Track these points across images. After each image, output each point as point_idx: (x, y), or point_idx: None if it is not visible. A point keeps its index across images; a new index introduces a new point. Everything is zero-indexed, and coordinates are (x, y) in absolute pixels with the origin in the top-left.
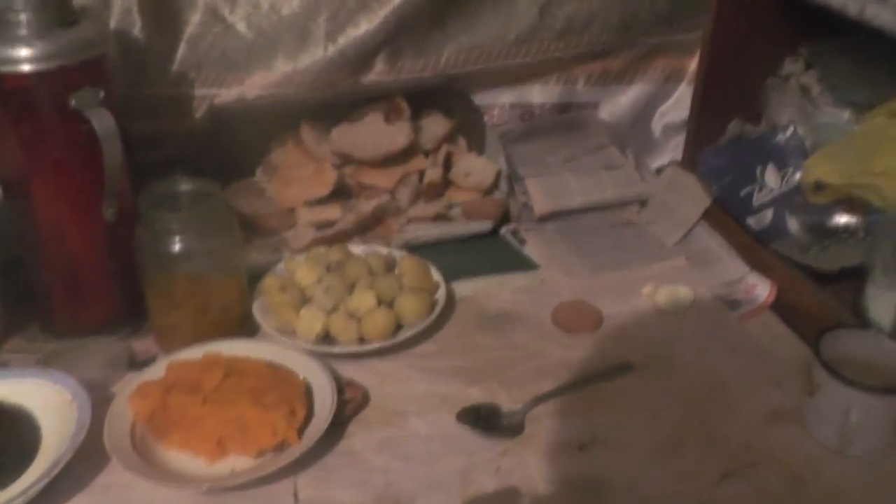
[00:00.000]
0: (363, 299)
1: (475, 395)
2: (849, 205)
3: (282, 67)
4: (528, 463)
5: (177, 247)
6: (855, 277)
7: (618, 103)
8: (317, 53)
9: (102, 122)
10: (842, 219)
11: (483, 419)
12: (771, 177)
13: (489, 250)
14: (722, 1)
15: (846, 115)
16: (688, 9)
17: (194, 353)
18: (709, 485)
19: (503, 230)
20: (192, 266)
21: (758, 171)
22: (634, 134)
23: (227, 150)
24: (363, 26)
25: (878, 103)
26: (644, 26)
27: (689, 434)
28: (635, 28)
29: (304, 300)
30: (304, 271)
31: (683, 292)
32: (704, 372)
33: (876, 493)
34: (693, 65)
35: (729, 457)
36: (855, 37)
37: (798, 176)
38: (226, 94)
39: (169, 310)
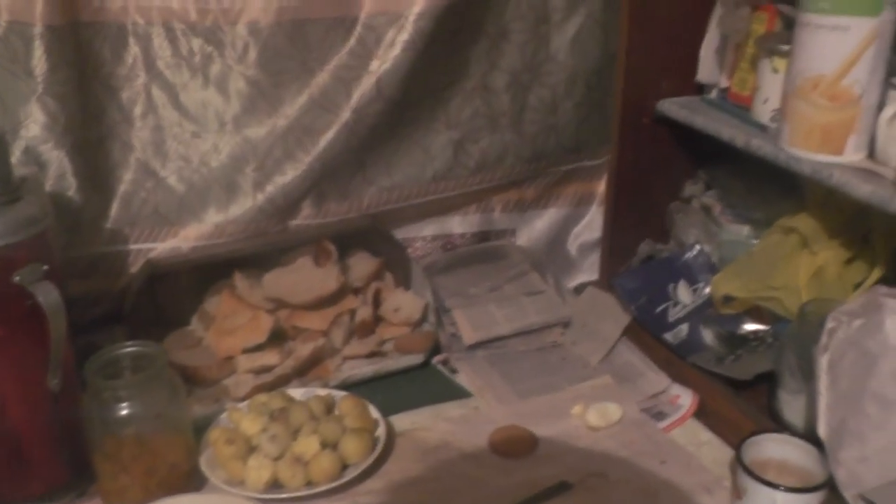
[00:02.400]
0: (308, 444)
1: None
2: (756, 314)
3: (213, 219)
4: None
5: (124, 412)
6: (768, 382)
7: (534, 228)
8: (246, 203)
9: (48, 296)
10: (750, 327)
11: None
12: (683, 293)
13: (423, 382)
14: (623, 133)
15: (746, 230)
16: (593, 141)
17: None
18: None
19: (434, 361)
20: (140, 429)
21: (670, 289)
22: (551, 256)
23: (162, 302)
24: (289, 174)
25: (774, 219)
26: (553, 157)
27: None
28: (545, 159)
29: (251, 450)
30: (248, 422)
31: (612, 409)
32: (638, 485)
33: None
34: (602, 187)
35: None
36: (747, 160)
37: (707, 290)
38: (160, 248)
39: (117, 473)
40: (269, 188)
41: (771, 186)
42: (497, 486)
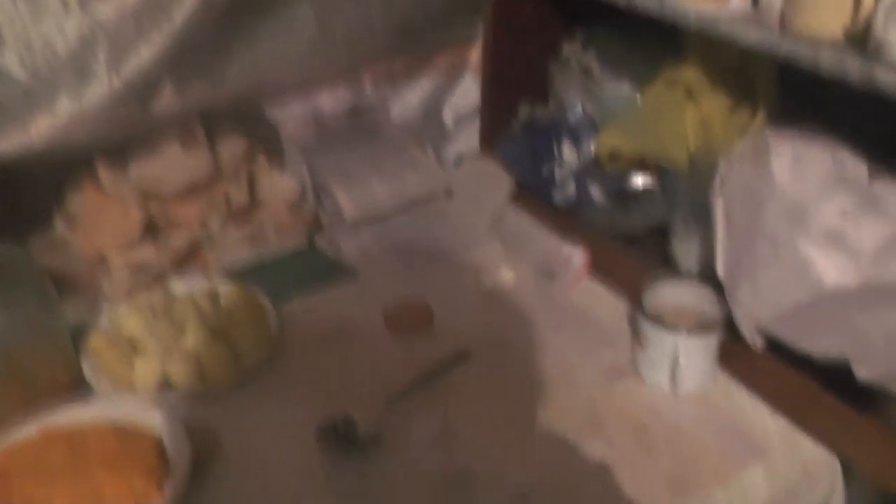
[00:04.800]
0: (195, 338)
1: (326, 415)
2: (643, 168)
3: (66, 109)
4: (393, 472)
5: None
6: (660, 233)
7: (407, 101)
8: (101, 89)
9: None
10: (638, 180)
11: (340, 437)
12: (568, 153)
13: (308, 265)
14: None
15: (626, 88)
16: (463, 7)
17: (27, 431)
18: (564, 452)
19: (318, 242)
20: (7, 343)
21: (554, 151)
22: (427, 128)
23: (18, 206)
24: (145, 55)
25: (654, 74)
26: (421, 30)
27: (536, 409)
28: (413, 31)
29: (135, 351)
30: (129, 321)
31: (504, 274)
32: (539, 346)
33: (706, 421)
34: (475, 55)
35: (578, 421)
36: (626, 16)
37: (592, 149)
38: (7, 145)
39: None
40: (125, 71)
41: (650, 42)
42: (395, 361)
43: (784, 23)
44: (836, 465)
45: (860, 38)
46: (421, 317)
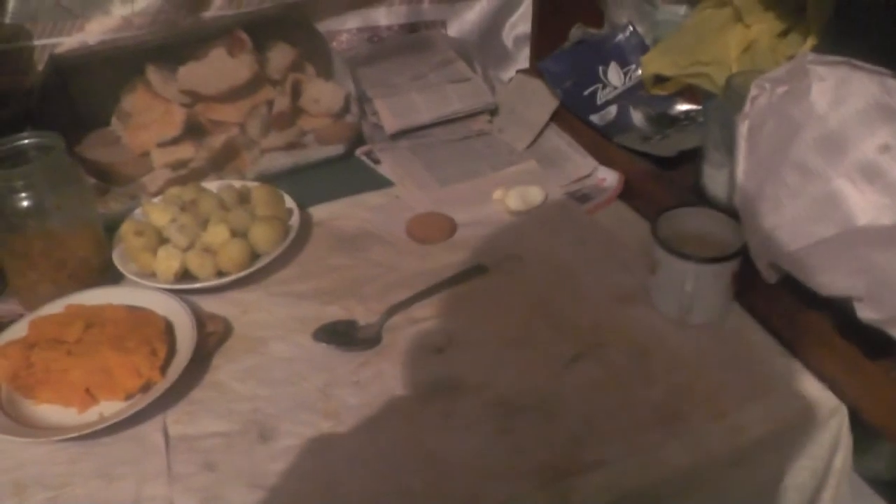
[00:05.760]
0: (216, 233)
1: (333, 313)
2: (687, 94)
3: (119, 10)
4: (385, 372)
5: (25, 203)
6: (695, 160)
7: (465, 19)
8: None
9: None
10: (682, 107)
11: (340, 335)
12: (614, 75)
13: (344, 173)
14: None
15: (682, 10)
16: None
17: (56, 307)
18: (558, 370)
19: (357, 152)
20: (43, 222)
21: (600, 71)
22: (485, 48)
23: (77, 103)
24: None
25: None
26: None
27: (539, 325)
28: None
29: (161, 241)
30: (158, 213)
31: (533, 192)
32: (555, 265)
33: (711, 354)
34: None
35: (578, 341)
36: None
37: (639, 72)
38: (66, 43)
39: (26, 270)
40: None
41: None
42: (412, 270)
43: None
44: (844, 413)
45: None
46: (444, 228)
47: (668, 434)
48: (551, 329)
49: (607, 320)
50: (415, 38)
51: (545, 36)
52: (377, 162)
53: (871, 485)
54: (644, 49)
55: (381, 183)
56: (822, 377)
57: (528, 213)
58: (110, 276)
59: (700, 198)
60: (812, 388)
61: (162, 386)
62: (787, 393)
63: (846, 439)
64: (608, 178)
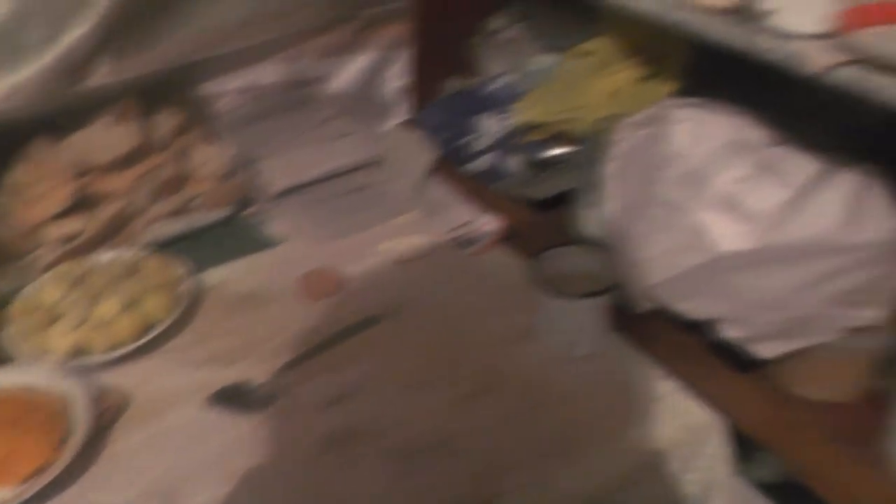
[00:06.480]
0: (109, 307)
1: (230, 376)
2: (560, 138)
3: (1, 83)
4: (282, 430)
5: None
6: (571, 201)
7: (345, 75)
8: (35, 62)
9: None
10: (555, 151)
11: (236, 397)
12: (489, 124)
13: (235, 235)
14: None
15: (552, 60)
16: None
17: None
18: (454, 411)
19: (246, 213)
20: None
21: (476, 121)
22: (366, 102)
23: None
24: (79, 28)
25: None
26: (358, 3)
27: (434, 369)
28: (350, 4)
29: (53, 319)
30: (48, 290)
31: (418, 241)
32: (443, 310)
33: (597, 383)
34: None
35: (472, 381)
36: None
37: (514, 120)
38: None
39: None
40: (59, 44)
41: (579, 15)
42: (306, 326)
43: None
44: (723, 426)
45: (746, 8)
46: (334, 282)
47: (564, 463)
48: (445, 372)
49: (499, 359)
50: (297, 96)
51: (423, 88)
52: (266, 221)
53: (758, 489)
54: (517, 97)
55: (272, 242)
56: (699, 395)
57: (415, 261)
58: (2, 358)
59: (577, 237)
60: (691, 405)
61: (59, 466)
62: (670, 413)
63: (727, 450)
64: (489, 223)
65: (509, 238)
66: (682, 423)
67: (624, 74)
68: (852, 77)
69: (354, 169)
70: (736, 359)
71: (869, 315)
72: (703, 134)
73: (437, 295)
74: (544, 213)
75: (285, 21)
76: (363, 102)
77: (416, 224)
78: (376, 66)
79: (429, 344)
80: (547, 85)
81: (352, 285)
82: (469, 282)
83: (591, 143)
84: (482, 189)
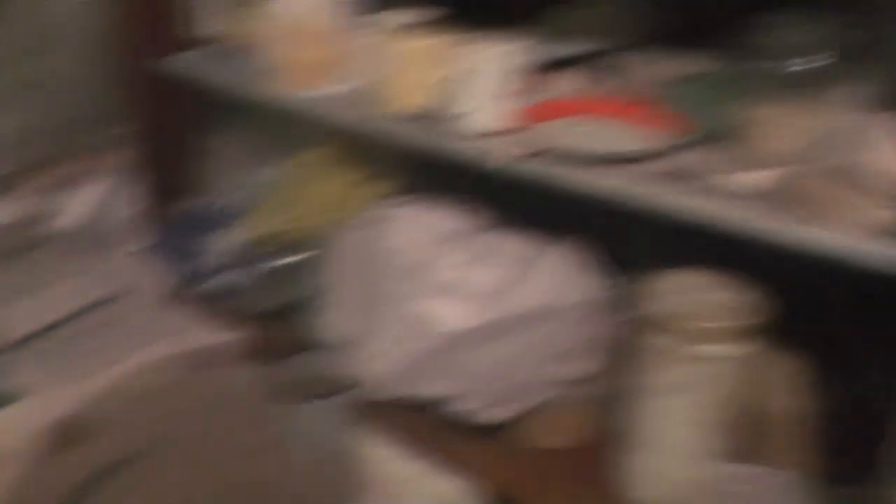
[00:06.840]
0: None
1: None
2: (288, 248)
3: None
4: None
5: None
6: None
7: (76, 206)
8: None
9: None
10: (285, 261)
11: None
12: (219, 242)
13: None
14: (138, 97)
15: (274, 173)
16: (115, 109)
17: None
18: None
19: None
20: None
21: (206, 240)
22: (98, 232)
23: None
24: None
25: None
26: (78, 132)
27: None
28: (69, 135)
29: None
30: None
31: (162, 371)
32: (193, 441)
33: (346, 479)
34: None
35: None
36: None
37: (243, 236)
38: None
39: None
40: None
41: (295, 128)
42: (46, 483)
43: (375, 103)
44: (480, 490)
45: (437, 113)
46: (78, 431)
47: None
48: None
49: (259, 471)
50: (27, 237)
51: (155, 213)
52: (5, 374)
53: None
54: (244, 212)
55: (13, 398)
56: (451, 467)
57: (160, 393)
58: None
59: (313, 342)
60: (443, 480)
61: None
62: (423, 491)
63: None
64: (229, 341)
65: (249, 352)
66: (437, 499)
67: (339, 180)
68: (536, 168)
69: (94, 305)
70: (479, 426)
71: (582, 368)
72: (420, 228)
73: (186, 424)
74: (280, 323)
75: (5, 159)
76: (96, 235)
77: (158, 353)
78: (105, 197)
79: (183, 483)
80: (271, 197)
81: (100, 428)
82: (214, 402)
83: (316, 250)
84: (220, 307)
